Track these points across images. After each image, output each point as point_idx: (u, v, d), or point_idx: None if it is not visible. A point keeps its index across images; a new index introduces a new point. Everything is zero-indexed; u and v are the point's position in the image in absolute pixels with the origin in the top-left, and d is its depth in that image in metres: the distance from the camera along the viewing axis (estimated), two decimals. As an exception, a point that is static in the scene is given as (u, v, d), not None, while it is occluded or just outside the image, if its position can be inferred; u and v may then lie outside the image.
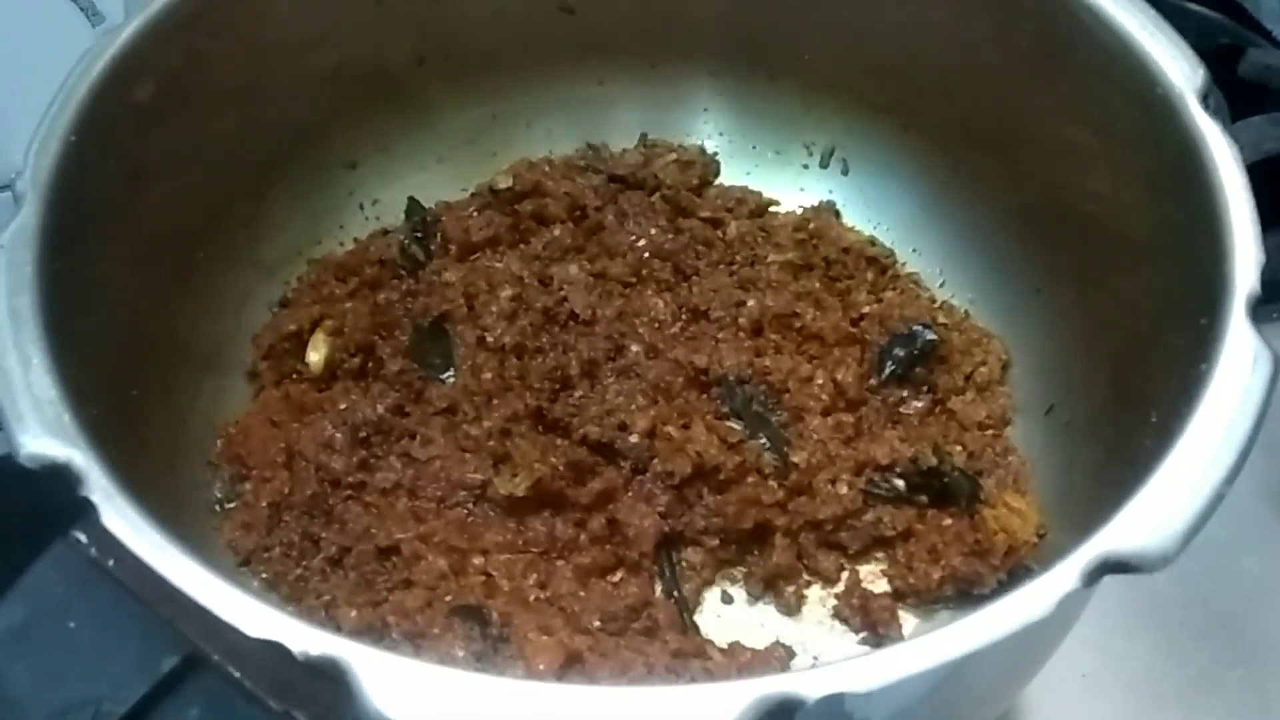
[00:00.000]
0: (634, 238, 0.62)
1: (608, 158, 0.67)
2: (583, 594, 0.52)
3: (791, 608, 0.55)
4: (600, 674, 0.48)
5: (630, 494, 0.55)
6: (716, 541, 0.55)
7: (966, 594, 0.53)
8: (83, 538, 0.35)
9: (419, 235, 0.63)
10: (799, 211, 0.66)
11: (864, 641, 0.54)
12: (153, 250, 0.52)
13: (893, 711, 0.39)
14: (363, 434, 0.55)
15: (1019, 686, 0.50)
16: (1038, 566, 0.52)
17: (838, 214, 0.66)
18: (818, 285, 0.62)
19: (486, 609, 0.50)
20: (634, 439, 0.55)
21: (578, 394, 0.57)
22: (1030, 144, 0.57)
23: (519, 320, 0.58)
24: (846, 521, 0.55)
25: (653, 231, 0.63)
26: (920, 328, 0.59)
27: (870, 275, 0.63)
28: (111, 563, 0.34)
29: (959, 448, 0.57)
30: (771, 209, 0.66)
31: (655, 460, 0.54)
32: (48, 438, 0.38)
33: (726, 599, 0.55)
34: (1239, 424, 0.37)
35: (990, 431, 0.58)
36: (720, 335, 0.60)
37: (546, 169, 0.65)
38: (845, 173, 0.67)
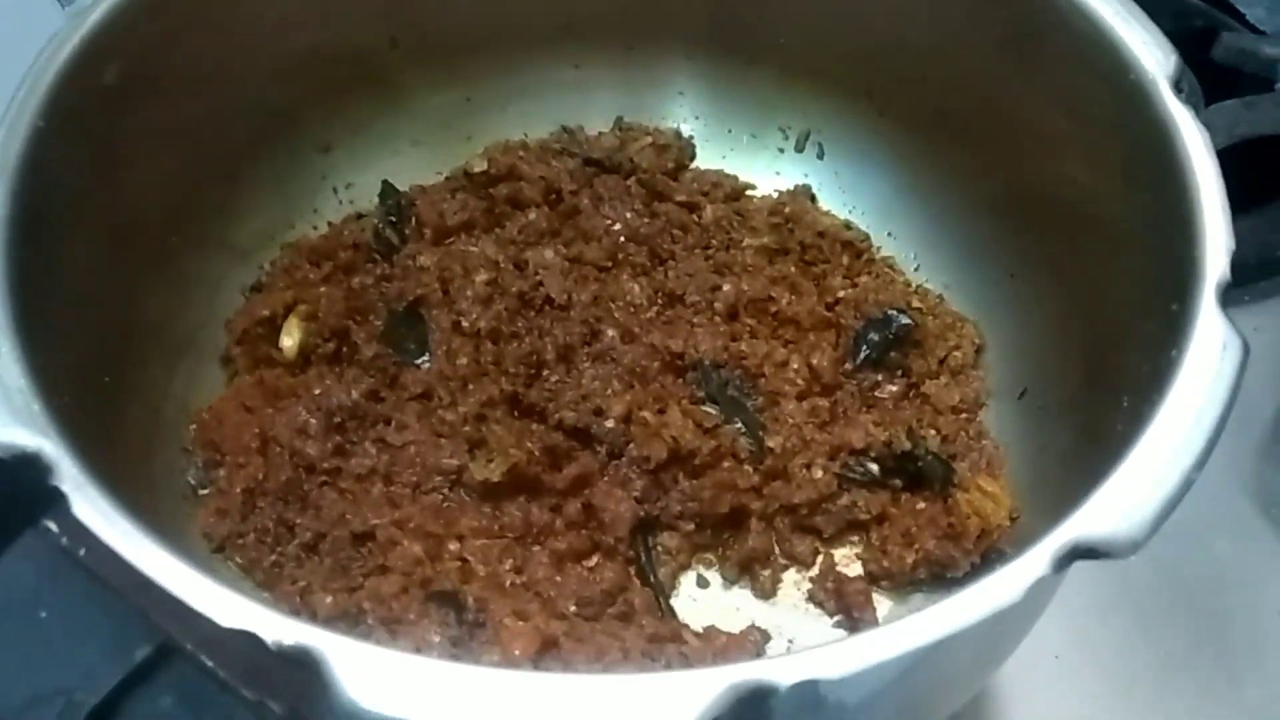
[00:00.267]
0: (609, 222, 0.62)
1: (583, 141, 0.67)
2: (558, 579, 0.52)
3: (767, 592, 0.55)
4: (576, 659, 0.48)
5: (606, 479, 0.55)
6: (692, 526, 0.55)
7: (940, 577, 0.54)
8: (54, 527, 0.34)
9: (393, 219, 0.62)
10: (775, 195, 0.66)
11: (839, 625, 0.54)
12: (124, 235, 0.51)
13: (866, 696, 0.39)
14: (337, 419, 0.55)
15: (991, 670, 0.50)
16: (1011, 550, 0.52)
17: (813, 198, 0.66)
18: (793, 269, 0.62)
19: (462, 594, 0.50)
20: (610, 424, 0.55)
21: (553, 379, 0.57)
22: (1005, 130, 0.57)
23: (494, 305, 0.58)
24: (821, 505, 0.55)
25: (628, 215, 0.62)
26: (895, 312, 0.59)
27: (845, 259, 0.63)
28: (83, 552, 0.34)
29: (933, 432, 0.57)
30: (747, 193, 0.66)
31: (631, 445, 0.54)
32: (17, 427, 0.37)
33: (702, 583, 0.56)
34: (1208, 411, 0.38)
35: (964, 415, 0.58)
36: (696, 320, 0.60)
37: (521, 153, 0.65)
38: (821, 157, 0.67)
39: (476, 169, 0.64)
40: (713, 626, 0.52)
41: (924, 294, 0.62)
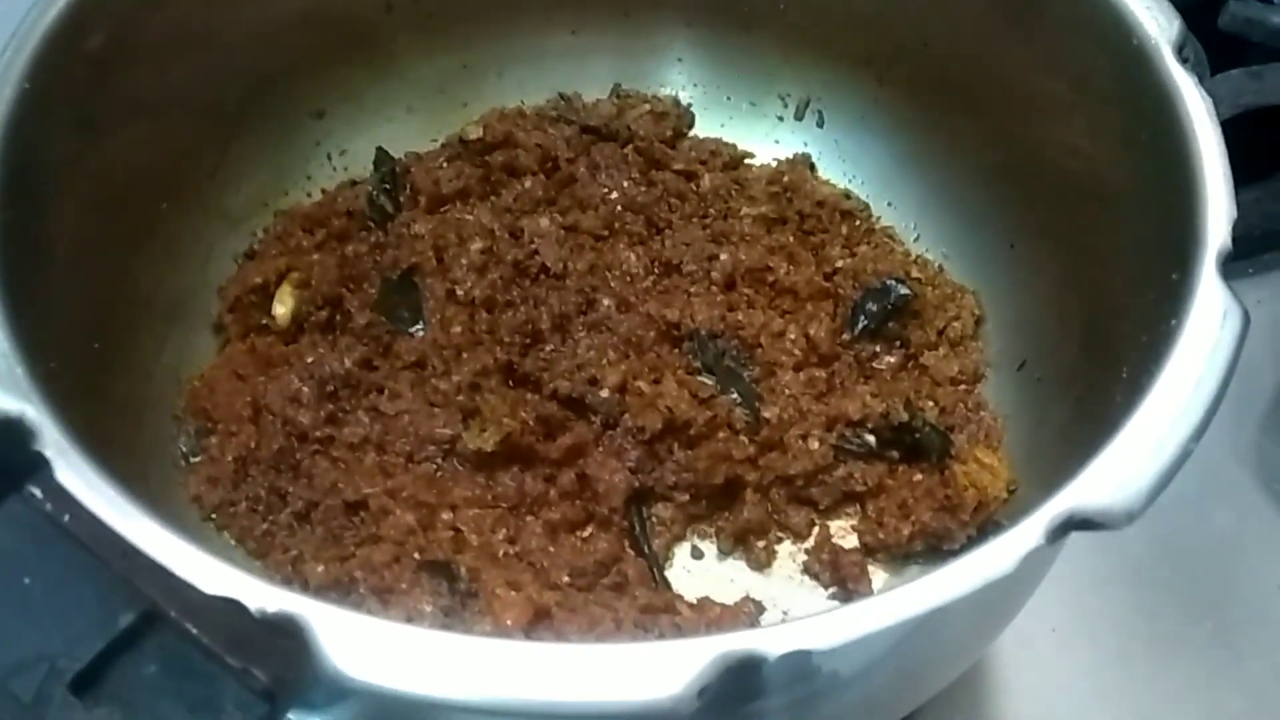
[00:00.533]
0: (606, 190, 0.62)
1: (580, 108, 0.66)
2: (552, 549, 0.52)
3: (762, 563, 0.55)
4: (568, 629, 0.48)
5: (600, 449, 0.54)
6: (687, 497, 0.55)
7: (936, 549, 0.54)
8: (37, 493, 0.34)
9: (388, 187, 0.62)
10: (773, 164, 0.65)
11: (834, 596, 0.54)
12: (113, 201, 0.51)
13: (860, 666, 0.39)
14: (330, 388, 0.55)
15: (986, 642, 0.50)
16: (1008, 522, 0.52)
17: (812, 167, 0.65)
18: (791, 239, 0.62)
19: (455, 564, 0.50)
20: (605, 394, 0.54)
21: (548, 348, 0.56)
22: (1006, 98, 0.56)
23: (489, 273, 0.57)
24: (817, 477, 0.55)
25: (625, 184, 0.62)
26: (893, 282, 0.58)
27: (844, 229, 0.62)
28: (67, 518, 0.34)
29: (931, 403, 0.57)
30: (746, 161, 0.66)
31: (626, 415, 0.54)
32: None
33: (697, 554, 0.55)
34: (1207, 380, 0.37)
35: (962, 387, 0.58)
36: (692, 289, 0.59)
37: (518, 120, 0.64)
38: (820, 125, 0.66)
39: (472, 136, 0.63)
40: (707, 598, 0.52)
41: (923, 264, 0.62)
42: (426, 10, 0.63)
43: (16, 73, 0.44)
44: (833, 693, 0.39)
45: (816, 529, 0.56)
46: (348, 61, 0.62)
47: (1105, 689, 0.58)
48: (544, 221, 0.60)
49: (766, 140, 0.67)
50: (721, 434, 0.55)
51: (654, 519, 0.55)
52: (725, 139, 0.66)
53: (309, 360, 0.55)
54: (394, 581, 0.50)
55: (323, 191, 0.63)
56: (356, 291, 0.58)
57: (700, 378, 0.56)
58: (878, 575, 0.54)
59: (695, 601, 0.51)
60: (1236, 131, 0.45)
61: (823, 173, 0.65)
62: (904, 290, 0.58)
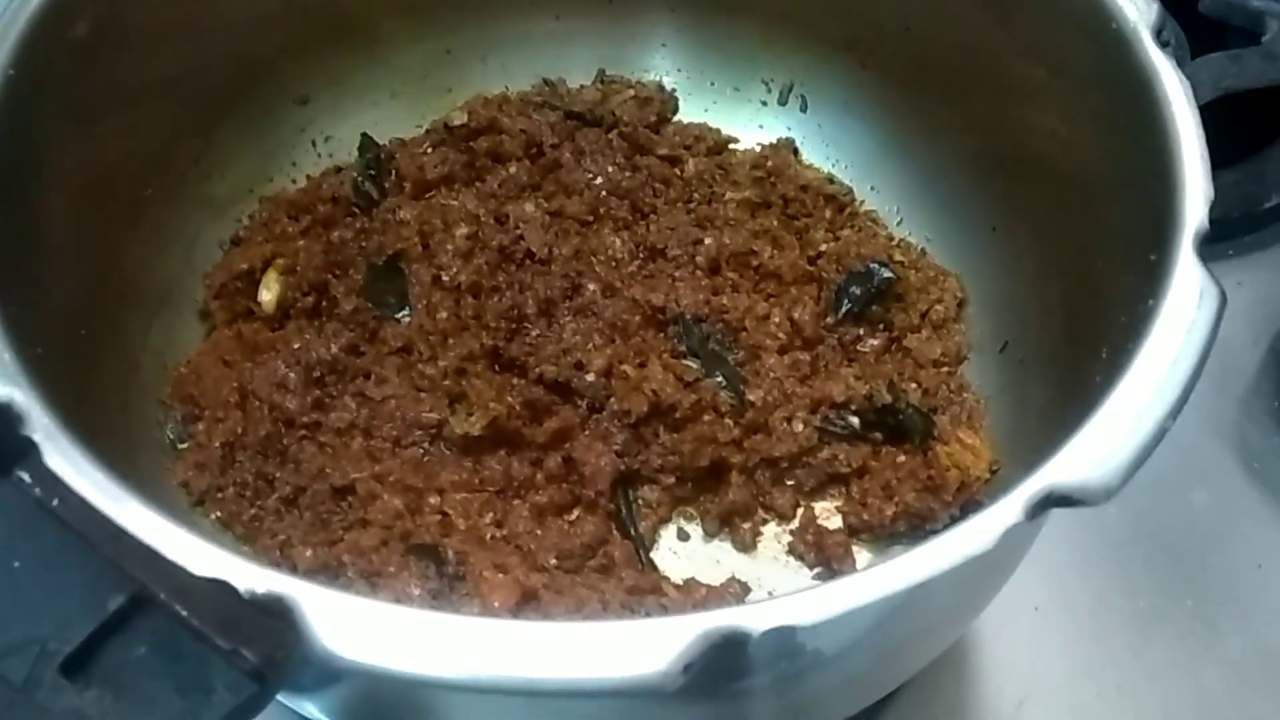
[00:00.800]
0: (591, 175, 0.62)
1: (564, 94, 0.66)
2: (539, 532, 0.52)
3: (747, 544, 0.55)
4: (555, 611, 0.48)
5: (587, 433, 0.55)
6: (673, 479, 0.55)
7: (920, 529, 0.54)
8: (26, 477, 0.34)
9: (372, 172, 0.62)
10: (757, 149, 0.66)
11: (818, 577, 0.55)
12: (99, 188, 0.51)
13: (843, 644, 0.39)
14: (317, 373, 0.55)
15: (969, 618, 0.50)
16: (990, 502, 0.52)
17: (796, 151, 0.66)
18: (775, 223, 0.62)
19: (442, 548, 0.50)
20: (590, 378, 0.55)
21: (534, 333, 0.57)
22: (987, 82, 0.56)
23: (475, 259, 0.57)
24: (802, 459, 0.55)
25: (610, 169, 0.62)
26: (877, 265, 0.59)
27: (828, 213, 0.63)
28: (55, 502, 0.34)
29: (914, 385, 0.57)
30: (730, 146, 0.66)
31: (612, 399, 0.54)
32: (-13, 377, 0.37)
33: (683, 536, 0.56)
34: (1184, 359, 0.38)
35: (945, 369, 0.58)
36: (677, 274, 0.59)
37: (502, 105, 0.65)
38: (804, 110, 0.66)
39: (457, 122, 0.63)
40: (693, 579, 0.52)
41: (906, 248, 0.62)
42: (411, -4, 0.63)
43: (1, 61, 0.44)
44: (816, 670, 0.40)
45: (801, 510, 0.56)
46: (332, 47, 0.62)
47: (1087, 666, 0.59)
48: (529, 207, 0.60)
49: (750, 125, 0.67)
50: (707, 417, 0.55)
51: (640, 501, 0.55)
52: (709, 124, 0.67)
53: (295, 346, 0.56)
54: (382, 565, 0.50)
55: (308, 178, 0.63)
56: (342, 277, 0.58)
57: (685, 361, 0.56)
58: (862, 555, 0.55)
59: (681, 583, 0.52)
60: (1217, 114, 0.45)
61: (806, 157, 0.66)
62: (887, 274, 0.58)
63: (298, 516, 0.52)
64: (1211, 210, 0.42)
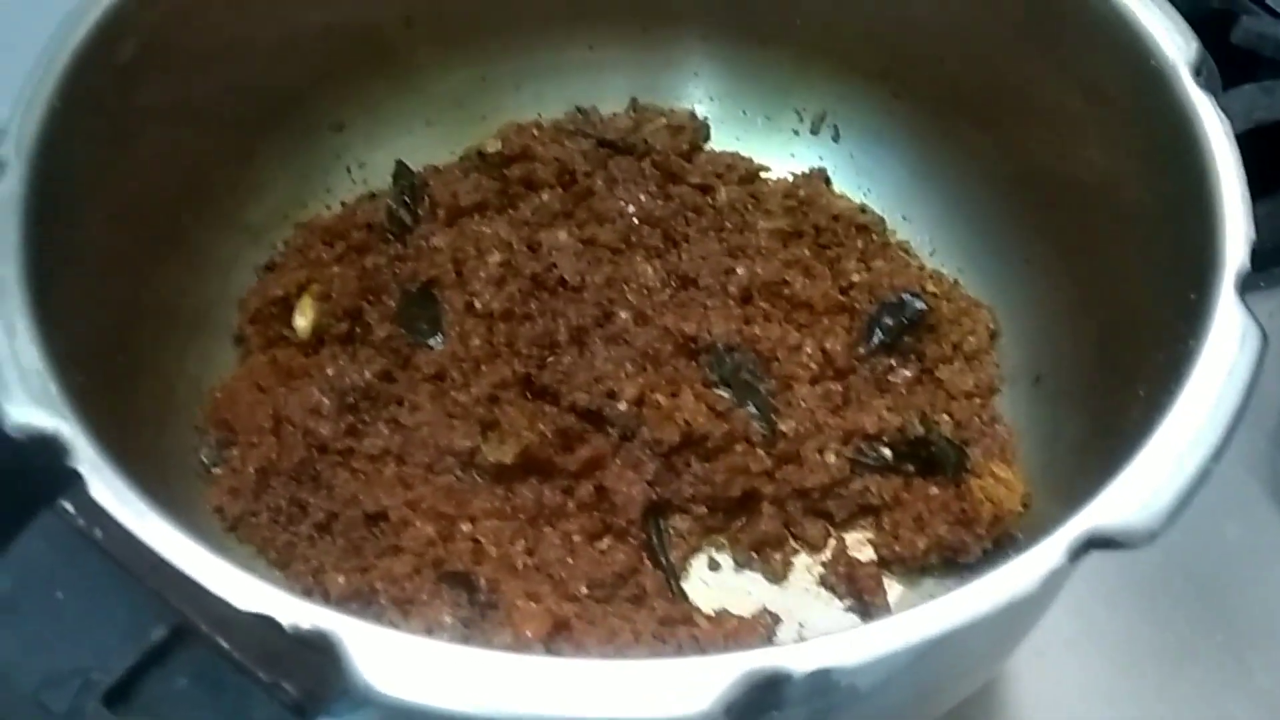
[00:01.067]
0: (623, 203, 0.62)
1: (597, 122, 0.67)
2: (570, 561, 0.52)
3: (778, 575, 0.55)
4: (587, 641, 0.48)
5: (618, 461, 0.55)
6: (704, 509, 0.55)
7: (952, 562, 0.54)
8: (70, 508, 0.34)
9: (406, 199, 0.62)
10: (789, 178, 0.66)
11: (850, 609, 0.54)
12: (138, 214, 0.51)
13: (877, 682, 0.39)
14: (350, 400, 0.55)
15: (1003, 658, 0.50)
16: (1023, 536, 0.52)
17: (828, 181, 0.66)
18: (807, 253, 0.62)
19: (474, 576, 0.50)
20: (622, 406, 0.55)
21: (566, 361, 0.57)
22: (1022, 113, 0.56)
23: (507, 286, 0.58)
24: (833, 490, 0.55)
25: (642, 197, 0.62)
26: (909, 296, 0.59)
27: (860, 243, 0.63)
28: (99, 533, 0.34)
29: (946, 417, 0.57)
30: (762, 175, 0.66)
31: (643, 428, 0.54)
32: (34, 408, 0.37)
33: (714, 566, 0.56)
34: (1226, 401, 0.37)
35: (978, 401, 0.58)
36: (709, 303, 0.59)
37: (535, 133, 0.65)
38: (836, 139, 0.66)
39: (490, 149, 0.63)
40: (724, 609, 0.52)
41: (938, 278, 0.62)
42: (445, 24, 0.63)
43: (48, 90, 0.45)
44: (850, 706, 0.40)
45: (832, 541, 0.56)
46: (368, 75, 0.63)
47: (1117, 700, 0.58)
48: (562, 234, 0.60)
49: (782, 154, 0.67)
50: (738, 447, 0.55)
51: (671, 531, 0.55)
52: (741, 153, 0.67)
53: (329, 372, 0.56)
54: (414, 592, 0.50)
55: (342, 204, 0.64)
56: (376, 304, 0.59)
57: (717, 391, 0.56)
58: (893, 588, 0.54)
59: (712, 613, 0.52)
60: (1248, 146, 0.45)
61: (838, 187, 0.66)
62: (920, 304, 0.58)
63: (331, 543, 0.52)
64: (1248, 244, 0.42)
